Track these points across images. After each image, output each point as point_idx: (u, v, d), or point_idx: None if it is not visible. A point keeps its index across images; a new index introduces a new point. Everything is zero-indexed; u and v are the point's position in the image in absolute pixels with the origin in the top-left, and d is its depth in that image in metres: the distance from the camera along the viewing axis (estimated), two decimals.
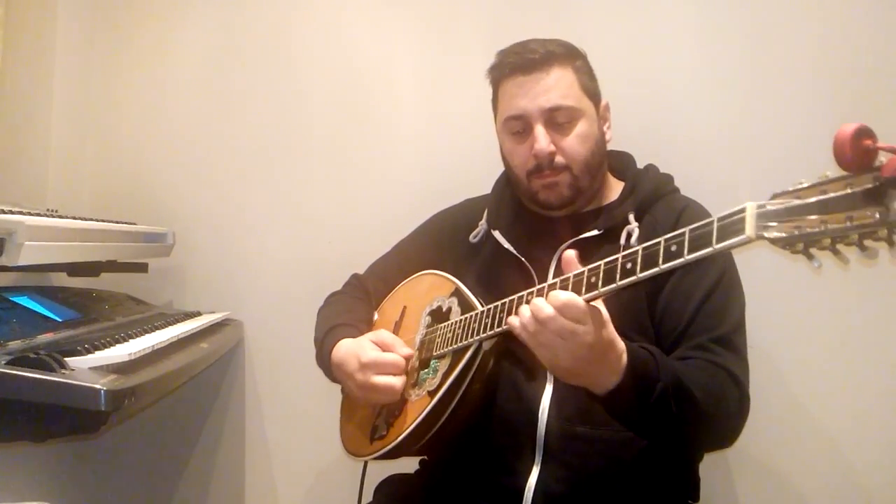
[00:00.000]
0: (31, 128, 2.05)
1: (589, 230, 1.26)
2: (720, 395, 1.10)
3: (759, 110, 1.58)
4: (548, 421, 1.18)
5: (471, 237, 1.41)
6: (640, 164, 1.39)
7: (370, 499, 1.39)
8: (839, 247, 0.71)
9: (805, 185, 0.74)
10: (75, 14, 2.11)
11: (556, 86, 1.26)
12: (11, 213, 1.32)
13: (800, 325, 1.55)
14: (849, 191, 0.69)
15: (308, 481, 1.93)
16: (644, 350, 1.05)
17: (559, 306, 0.95)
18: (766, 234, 0.75)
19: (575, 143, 1.26)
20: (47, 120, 2.08)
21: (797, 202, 0.73)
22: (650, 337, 1.20)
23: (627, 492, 1.18)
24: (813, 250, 0.73)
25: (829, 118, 1.52)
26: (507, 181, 1.42)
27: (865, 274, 1.46)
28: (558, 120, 1.26)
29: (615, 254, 1.22)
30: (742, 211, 0.78)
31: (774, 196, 0.76)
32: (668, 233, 1.24)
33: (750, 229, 0.76)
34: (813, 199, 0.72)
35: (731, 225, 0.79)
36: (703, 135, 1.62)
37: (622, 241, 1.23)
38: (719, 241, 0.81)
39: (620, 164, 1.39)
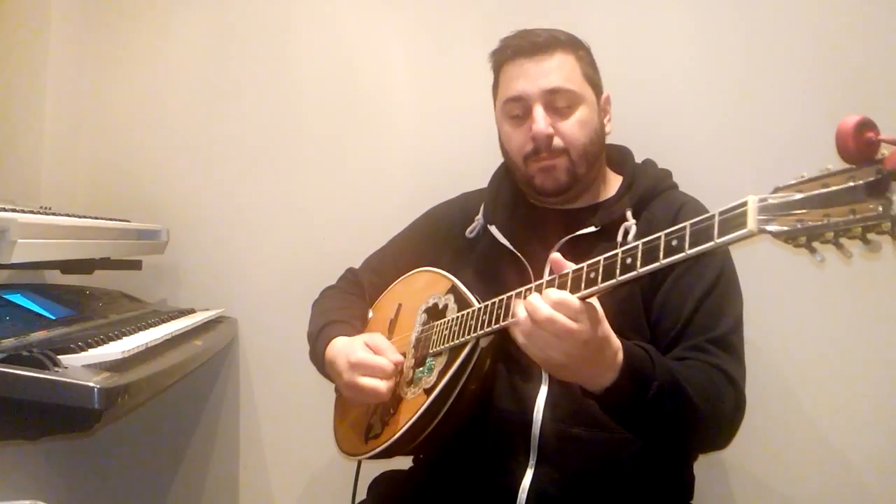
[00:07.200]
0: (24, 125, 2.04)
1: (586, 226, 1.26)
2: (716, 396, 1.09)
3: (758, 103, 1.58)
4: (542, 422, 1.18)
5: (467, 232, 1.40)
6: (638, 159, 1.38)
7: (364, 496, 1.39)
8: (842, 240, 0.71)
9: (807, 178, 0.74)
10: (69, 9, 2.10)
11: (558, 69, 1.25)
12: (4, 210, 1.31)
13: (797, 321, 1.55)
14: (851, 184, 0.69)
15: (303, 478, 1.93)
16: (640, 348, 1.04)
17: (552, 304, 0.94)
18: (768, 228, 0.74)
19: (574, 127, 1.25)
20: (40, 117, 2.07)
21: (799, 195, 0.73)
22: (646, 336, 1.19)
23: (622, 494, 1.17)
24: (816, 244, 0.72)
25: (827, 111, 1.52)
26: (505, 171, 1.41)
27: (864, 269, 1.46)
28: (558, 104, 1.25)
29: (612, 251, 1.22)
30: (744, 205, 0.78)
31: (776, 189, 0.76)
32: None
33: (752, 223, 0.76)
34: (815, 193, 0.72)
35: (733, 219, 0.79)
36: (702, 129, 1.62)
37: (619, 238, 1.23)
38: (721, 234, 0.80)
39: (619, 157, 1.38)
